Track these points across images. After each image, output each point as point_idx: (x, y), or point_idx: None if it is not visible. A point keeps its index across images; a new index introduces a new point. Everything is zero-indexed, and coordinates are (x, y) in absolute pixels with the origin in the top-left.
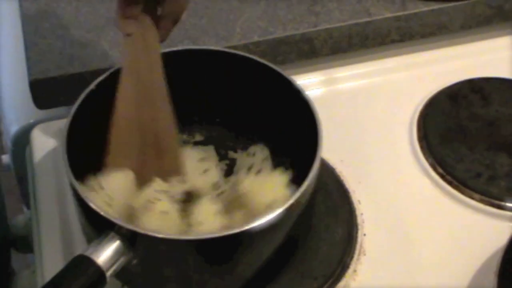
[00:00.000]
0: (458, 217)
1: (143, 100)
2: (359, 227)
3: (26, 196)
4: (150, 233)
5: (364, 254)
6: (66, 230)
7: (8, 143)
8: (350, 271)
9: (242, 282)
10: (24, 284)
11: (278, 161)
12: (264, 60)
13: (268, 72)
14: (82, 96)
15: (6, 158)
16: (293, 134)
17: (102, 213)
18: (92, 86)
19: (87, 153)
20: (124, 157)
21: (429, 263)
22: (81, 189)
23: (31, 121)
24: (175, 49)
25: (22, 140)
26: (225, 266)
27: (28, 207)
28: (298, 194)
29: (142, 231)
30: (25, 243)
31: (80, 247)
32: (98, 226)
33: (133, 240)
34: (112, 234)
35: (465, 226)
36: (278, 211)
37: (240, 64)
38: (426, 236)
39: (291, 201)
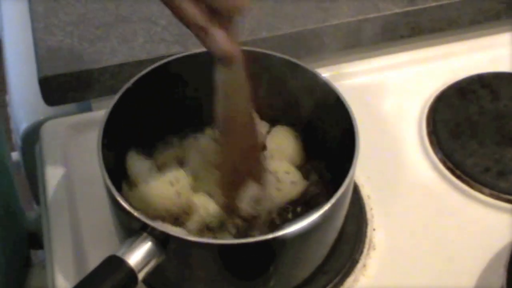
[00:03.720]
0: (467, 212)
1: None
2: (369, 222)
3: (36, 193)
4: (182, 236)
5: (374, 249)
6: (76, 226)
7: (17, 140)
8: (359, 265)
9: None
10: (34, 280)
11: (311, 164)
12: (285, 55)
13: (291, 67)
14: (116, 98)
15: (16, 156)
16: (324, 131)
17: (135, 214)
18: (129, 84)
19: (117, 152)
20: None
21: (439, 257)
22: (115, 189)
23: (41, 118)
24: (194, 51)
25: (32, 137)
26: (257, 272)
27: (38, 204)
28: (333, 200)
29: (174, 233)
30: (35, 239)
31: (89, 243)
32: (131, 227)
33: (165, 242)
34: (144, 235)
35: (474, 221)
36: (313, 217)
37: (261, 62)
38: (435, 230)
39: (326, 207)
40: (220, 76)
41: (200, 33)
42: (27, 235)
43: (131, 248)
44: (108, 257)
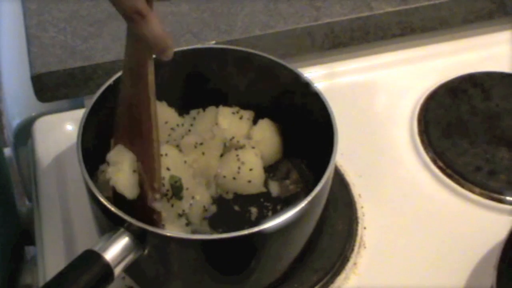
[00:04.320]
0: (458, 211)
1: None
2: (360, 220)
3: (28, 189)
4: (159, 231)
5: (365, 247)
6: (67, 223)
7: (10, 136)
8: (350, 264)
9: (254, 285)
10: (25, 276)
11: (292, 163)
12: (269, 55)
13: (274, 67)
14: (98, 92)
15: (8, 151)
16: (304, 130)
17: (112, 209)
18: (110, 81)
19: (96, 148)
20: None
21: (429, 256)
22: (93, 184)
23: (33, 114)
24: (181, 48)
25: (24, 133)
26: (234, 266)
27: (30, 200)
28: (310, 197)
29: (151, 229)
30: (27, 235)
31: (81, 239)
32: (109, 222)
33: (142, 237)
34: (121, 230)
35: (465, 220)
36: (292, 212)
37: (246, 61)
38: (426, 229)
39: (304, 203)
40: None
41: (136, 17)
42: (21, 231)
43: (108, 243)
44: (84, 251)
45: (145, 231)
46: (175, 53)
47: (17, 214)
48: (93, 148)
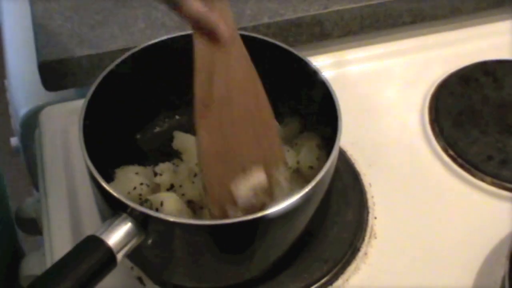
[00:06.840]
0: (469, 200)
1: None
2: (370, 210)
3: (35, 178)
4: (162, 217)
5: (375, 237)
6: (75, 212)
7: (17, 125)
8: (361, 254)
9: (256, 269)
10: (33, 266)
11: None
12: (278, 42)
13: (283, 54)
14: (101, 76)
15: (15, 141)
16: (310, 117)
17: (115, 194)
18: (112, 66)
19: (102, 134)
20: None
21: (440, 245)
22: (95, 169)
23: (40, 103)
24: (184, 33)
25: (31, 122)
26: (239, 253)
27: (38, 189)
28: (314, 182)
29: (154, 214)
30: (34, 225)
31: (89, 229)
32: (112, 207)
33: (145, 222)
34: (124, 215)
35: (477, 210)
36: (295, 198)
37: (255, 47)
38: (437, 219)
39: (308, 188)
40: (200, 52)
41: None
42: (22, 222)
43: (110, 228)
44: (86, 237)
45: (147, 216)
46: (176, 38)
47: (10, 211)
48: (96, 133)
